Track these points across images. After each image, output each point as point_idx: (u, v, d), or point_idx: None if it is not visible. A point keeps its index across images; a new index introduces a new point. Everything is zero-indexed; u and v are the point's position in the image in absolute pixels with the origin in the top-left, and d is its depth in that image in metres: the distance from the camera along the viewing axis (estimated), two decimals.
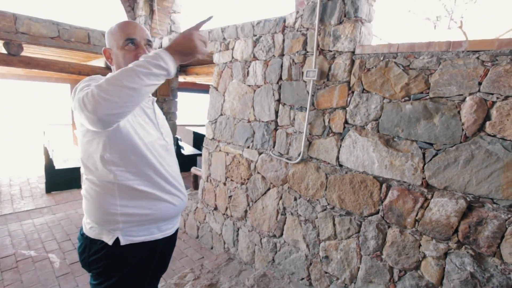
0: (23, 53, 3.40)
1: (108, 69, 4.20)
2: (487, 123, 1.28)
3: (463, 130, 1.34)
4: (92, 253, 0.99)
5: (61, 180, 4.09)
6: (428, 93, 1.44)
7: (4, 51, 3.29)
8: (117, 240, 0.96)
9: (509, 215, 1.23)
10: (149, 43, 1.03)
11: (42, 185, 4.20)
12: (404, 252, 1.53)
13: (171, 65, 0.79)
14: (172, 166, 1.10)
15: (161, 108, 4.30)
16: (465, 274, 1.33)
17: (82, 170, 1.01)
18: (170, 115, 4.45)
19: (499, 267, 1.26)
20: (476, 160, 1.31)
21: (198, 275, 2.20)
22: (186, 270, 2.29)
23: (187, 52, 0.82)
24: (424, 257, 1.46)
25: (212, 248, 2.78)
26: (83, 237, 1.02)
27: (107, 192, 0.96)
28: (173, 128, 4.50)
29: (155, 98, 1.16)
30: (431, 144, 1.44)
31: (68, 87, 6.43)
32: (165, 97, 4.36)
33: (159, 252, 1.11)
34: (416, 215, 1.48)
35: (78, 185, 4.17)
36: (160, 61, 0.76)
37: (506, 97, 1.24)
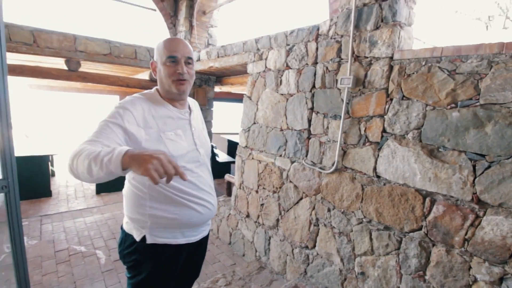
0: (80, 69, 3.83)
1: (151, 81, 4.54)
2: None
3: None
4: (126, 246, 1.09)
5: (109, 183, 4.46)
6: (478, 99, 1.32)
7: (65, 67, 3.74)
8: (144, 238, 1.05)
9: None
10: (189, 60, 1.11)
11: (93, 186, 4.62)
12: (451, 274, 1.38)
13: (114, 167, 0.75)
14: (202, 177, 1.16)
15: None
16: None
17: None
18: (206, 124, 4.62)
19: None
20: None
21: (229, 281, 2.22)
22: (218, 275, 2.33)
23: (136, 166, 0.73)
24: (475, 281, 1.31)
25: (243, 255, 2.79)
26: (122, 230, 1.15)
27: (140, 194, 1.06)
28: (209, 136, 4.67)
29: (192, 110, 1.23)
30: (483, 156, 1.30)
31: (118, 98, 7.06)
32: (202, 106, 4.56)
33: (184, 257, 1.17)
34: (466, 234, 1.34)
35: (123, 188, 4.51)
36: (106, 162, 0.75)
37: None
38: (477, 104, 1.32)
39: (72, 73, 3.78)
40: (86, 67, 4.25)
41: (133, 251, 1.08)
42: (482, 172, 1.29)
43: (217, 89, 5.67)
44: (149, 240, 1.06)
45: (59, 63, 3.85)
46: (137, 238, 1.06)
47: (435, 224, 1.44)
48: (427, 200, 1.48)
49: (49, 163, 4.49)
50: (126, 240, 1.11)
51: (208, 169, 1.23)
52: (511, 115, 1.22)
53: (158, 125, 1.05)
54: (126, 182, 1.13)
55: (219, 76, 4.56)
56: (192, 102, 1.29)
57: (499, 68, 1.25)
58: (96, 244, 2.90)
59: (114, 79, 4.22)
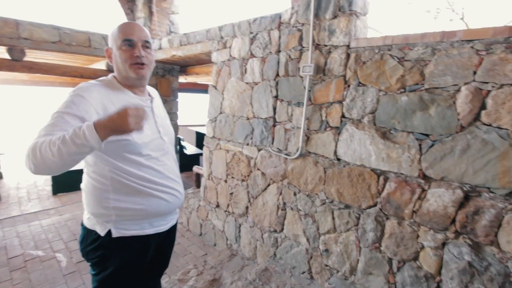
0: (26, 58, 3.47)
1: (109, 71, 4.26)
2: (483, 112, 1.28)
3: (458, 120, 1.34)
4: (89, 243, 1.04)
5: (67, 182, 4.16)
6: (423, 84, 1.44)
7: (7, 57, 3.36)
8: (109, 232, 1.01)
9: (506, 204, 1.23)
10: (146, 44, 1.06)
11: (49, 187, 4.28)
12: (402, 243, 1.53)
13: (94, 142, 0.77)
14: (167, 165, 1.13)
15: None
16: (463, 263, 1.33)
17: (83, 164, 1.05)
18: (171, 116, 4.49)
19: (497, 256, 1.26)
20: (472, 150, 1.31)
21: (201, 271, 2.23)
22: (190, 266, 2.32)
23: (118, 129, 0.80)
24: (422, 247, 1.47)
25: (215, 245, 2.81)
26: (82, 227, 1.09)
27: (102, 186, 1.01)
28: (175, 128, 4.54)
29: (153, 97, 1.19)
30: (427, 135, 1.44)
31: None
32: (166, 97, 4.41)
33: (153, 247, 1.14)
34: (414, 206, 1.48)
35: (82, 182, 4.23)
36: (83, 140, 0.76)
37: (501, 86, 1.23)
38: (422, 88, 1.45)
39: (15, 63, 3.40)
40: (33, 56, 3.85)
41: (98, 247, 1.03)
42: (427, 150, 1.44)
43: (182, 79, 5.50)
44: (115, 234, 1.02)
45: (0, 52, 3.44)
46: (102, 233, 1.01)
47: (388, 199, 1.57)
48: (381, 178, 1.61)
49: None
50: (88, 237, 1.05)
51: (174, 157, 1.21)
52: (451, 98, 1.36)
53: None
54: (85, 176, 1.07)
55: (184, 66, 4.41)
56: (151, 90, 1.25)
57: (441, 55, 1.38)
58: (56, 247, 2.72)
59: (66, 69, 3.89)
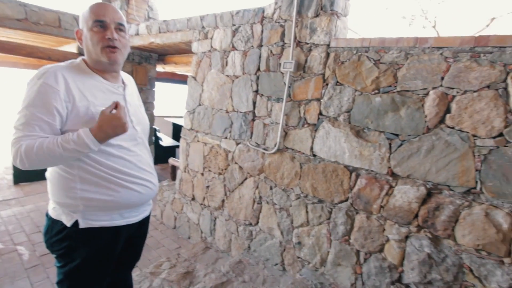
0: None
1: (80, 54, 4.01)
2: (447, 115, 1.38)
3: (425, 122, 1.43)
4: (54, 233, 1.00)
5: (31, 171, 3.89)
6: (396, 86, 1.52)
7: None
8: (76, 223, 0.97)
9: (463, 201, 1.34)
10: (120, 27, 1.01)
11: (10, 176, 3.98)
12: (369, 236, 1.62)
13: (95, 147, 0.90)
14: (140, 155, 1.10)
15: None
16: (423, 255, 1.44)
17: None
18: (147, 105, 4.34)
19: (453, 248, 1.37)
20: (436, 150, 1.40)
21: (174, 264, 2.21)
22: (162, 259, 2.29)
23: (116, 133, 0.93)
24: (388, 240, 1.56)
25: (189, 238, 2.79)
26: (47, 217, 1.04)
27: (68, 176, 0.97)
28: (151, 118, 4.39)
29: (127, 84, 1.14)
30: (397, 135, 1.52)
31: None
32: (142, 86, 4.24)
33: (123, 239, 1.11)
34: (382, 202, 1.57)
35: (47, 171, 3.99)
36: (87, 150, 0.89)
37: (465, 92, 1.33)
38: (395, 90, 1.52)
39: None
40: None
41: (64, 238, 0.98)
42: (396, 149, 1.52)
43: (160, 68, 5.32)
44: (82, 225, 0.97)
45: None
46: (68, 223, 0.97)
47: (359, 195, 1.65)
48: (353, 174, 1.68)
49: None
50: (53, 227, 1.00)
51: (147, 147, 1.17)
52: (420, 101, 1.45)
53: (86, 97, 0.95)
54: None
55: (162, 54, 4.27)
56: (126, 77, 1.19)
57: (413, 60, 1.46)
58: (17, 239, 2.55)
59: (32, 50, 3.60)
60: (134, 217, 1.11)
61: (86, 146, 0.87)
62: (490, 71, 1.27)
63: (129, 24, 3.53)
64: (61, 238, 0.99)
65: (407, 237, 1.50)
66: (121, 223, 1.06)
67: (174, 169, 3.33)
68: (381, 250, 1.59)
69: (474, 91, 1.31)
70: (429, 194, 1.43)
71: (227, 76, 2.35)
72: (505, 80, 1.24)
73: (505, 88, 1.24)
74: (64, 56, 3.87)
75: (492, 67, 1.26)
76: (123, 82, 1.13)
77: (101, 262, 1.06)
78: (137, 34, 3.42)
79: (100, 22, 0.97)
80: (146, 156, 1.14)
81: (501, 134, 1.26)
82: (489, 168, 1.28)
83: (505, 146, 1.25)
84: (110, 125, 0.89)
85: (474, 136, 1.32)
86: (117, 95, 1.06)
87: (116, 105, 0.93)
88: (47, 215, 1.05)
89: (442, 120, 1.40)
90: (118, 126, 0.90)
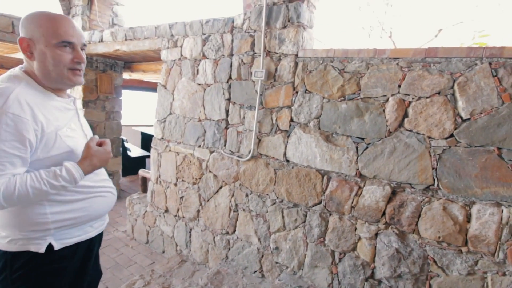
0: None
1: None
2: (405, 120, 1.51)
3: (387, 126, 1.55)
4: (17, 268, 0.89)
5: None
6: (359, 94, 1.63)
7: None
8: (49, 246, 0.91)
9: (424, 197, 1.46)
10: (84, 48, 0.98)
11: None
12: (343, 236, 1.69)
13: (80, 179, 0.92)
14: None
15: (103, 107, 3.98)
16: (392, 250, 1.53)
17: None
18: (113, 115, 4.15)
19: (418, 241, 1.49)
20: (398, 152, 1.52)
21: (148, 281, 2.12)
22: (135, 277, 2.18)
23: (102, 166, 1.01)
24: (359, 239, 1.65)
25: (163, 252, 2.69)
26: (1, 253, 0.90)
27: (34, 203, 0.88)
28: (118, 128, 4.20)
29: (76, 97, 1.10)
30: (363, 139, 1.63)
31: None
32: (108, 95, 4.05)
33: (96, 250, 1.12)
34: (352, 202, 1.66)
35: None
36: (73, 184, 0.89)
37: (419, 98, 1.47)
38: (359, 97, 1.63)
39: None
40: None
41: (32, 269, 0.89)
42: (362, 152, 1.62)
43: (126, 76, 5.12)
44: (57, 246, 0.92)
45: None
46: (41, 250, 0.89)
47: (331, 197, 1.73)
48: (325, 178, 1.75)
49: None
50: (13, 262, 0.89)
51: None
52: (381, 107, 1.56)
53: (51, 122, 0.88)
54: None
55: (128, 62, 4.12)
56: None
57: (373, 69, 1.58)
58: None
59: None
60: (102, 226, 1.12)
61: (74, 181, 0.88)
62: (439, 79, 1.42)
63: (93, 30, 3.38)
64: (29, 269, 0.90)
65: (376, 234, 1.59)
66: (93, 234, 1.06)
67: (144, 180, 3.20)
68: (354, 248, 1.67)
69: (427, 97, 1.45)
70: (393, 193, 1.54)
71: (199, 84, 2.34)
72: (452, 87, 1.39)
73: (453, 94, 1.39)
74: (18, 64, 3.58)
75: (441, 76, 1.41)
76: (68, 95, 1.06)
77: (76, 282, 1.02)
78: (101, 41, 3.27)
79: (69, 43, 0.90)
80: None
81: (452, 135, 1.40)
82: (443, 166, 1.41)
83: (456, 146, 1.39)
84: (100, 160, 0.96)
85: (429, 137, 1.45)
86: (71, 111, 1.02)
87: (100, 142, 1.00)
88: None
89: (401, 124, 1.52)
90: (107, 160, 0.99)
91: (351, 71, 1.65)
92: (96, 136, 1.01)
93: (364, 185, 1.62)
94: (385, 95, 1.55)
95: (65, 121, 0.95)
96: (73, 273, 1.01)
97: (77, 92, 3.71)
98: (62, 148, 0.89)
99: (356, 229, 1.65)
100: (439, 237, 1.43)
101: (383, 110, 1.55)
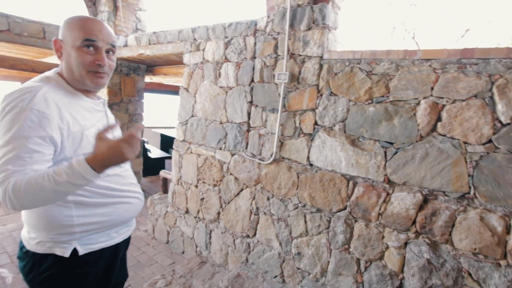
0: None
1: None
2: (439, 124, 1.44)
3: (418, 130, 1.48)
4: (44, 269, 0.90)
5: None
6: (388, 96, 1.57)
7: None
8: (74, 251, 0.91)
9: (458, 206, 1.38)
10: (112, 49, 0.96)
11: None
12: (369, 244, 1.63)
13: (92, 178, 0.76)
14: (128, 170, 1.09)
15: (126, 110, 4.11)
16: (422, 261, 1.46)
17: None
18: (136, 117, 4.26)
19: (451, 252, 1.41)
20: (430, 157, 1.45)
21: (169, 281, 2.14)
22: (157, 276, 2.21)
23: (115, 163, 0.77)
24: (387, 247, 1.58)
25: (183, 252, 2.72)
26: (28, 255, 0.92)
27: (61, 205, 0.88)
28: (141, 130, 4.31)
29: (106, 100, 1.11)
30: (392, 143, 1.57)
31: (19, 85, 5.85)
32: (131, 97, 4.17)
33: (120, 256, 1.09)
34: (380, 209, 1.60)
35: None
36: (83, 181, 0.75)
37: (454, 101, 1.40)
38: (388, 100, 1.57)
39: None
40: None
41: (58, 272, 0.91)
42: (391, 157, 1.56)
43: (147, 79, 5.26)
44: (82, 251, 0.92)
45: None
46: (66, 254, 0.89)
47: (357, 203, 1.67)
48: (351, 183, 1.70)
49: None
50: (41, 263, 0.90)
51: None
52: (412, 110, 1.50)
53: (78, 121, 0.89)
54: None
55: (150, 65, 4.23)
56: None
57: (404, 71, 1.52)
58: None
59: (15, 62, 3.49)
60: (127, 232, 1.10)
61: (81, 177, 0.73)
62: (476, 81, 1.34)
63: (118, 35, 3.49)
64: (53, 273, 0.90)
65: (406, 243, 1.52)
66: (118, 240, 1.04)
67: (165, 181, 3.26)
68: (381, 257, 1.60)
69: (463, 100, 1.38)
70: (425, 200, 1.47)
71: (221, 87, 2.35)
72: (491, 90, 1.31)
73: (491, 97, 1.31)
74: (48, 68, 3.75)
75: (478, 78, 1.34)
76: (98, 97, 1.07)
77: (101, 286, 1.01)
78: (126, 45, 3.38)
79: (91, 41, 0.88)
80: (130, 169, 1.13)
81: (490, 141, 1.32)
82: (481, 173, 1.33)
83: (495, 152, 1.31)
84: (116, 155, 0.75)
85: (465, 143, 1.37)
86: (100, 113, 1.02)
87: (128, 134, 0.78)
88: (27, 252, 0.92)
89: (434, 128, 1.45)
90: (125, 154, 0.76)
91: (379, 73, 1.59)
92: (113, 124, 0.85)
93: (393, 192, 1.56)
94: (417, 98, 1.48)
95: (93, 121, 0.95)
96: (98, 278, 1.00)
97: (102, 95, 3.85)
98: (89, 147, 0.86)
99: (383, 237, 1.59)
100: (475, 249, 1.35)
101: (414, 114, 1.49)
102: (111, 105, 3.83)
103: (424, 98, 1.47)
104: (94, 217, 0.93)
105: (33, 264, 0.91)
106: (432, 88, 1.45)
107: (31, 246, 0.91)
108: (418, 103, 1.49)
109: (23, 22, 3.24)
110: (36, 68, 3.65)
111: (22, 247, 0.94)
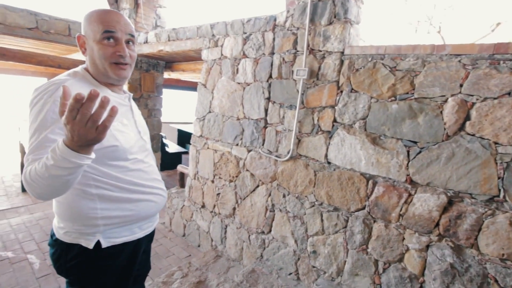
0: None
1: None
2: (467, 123, 1.36)
3: (445, 129, 1.42)
4: (70, 258, 0.94)
5: None
6: (413, 93, 1.51)
7: None
8: (97, 243, 0.93)
9: (486, 209, 1.31)
10: (132, 39, 0.97)
11: (18, 183, 3.99)
12: (388, 246, 1.59)
13: (76, 159, 0.67)
14: (151, 165, 1.10)
15: (146, 105, 4.20)
16: (445, 265, 1.41)
17: None
18: (155, 112, 4.36)
19: (476, 257, 1.34)
20: (457, 158, 1.38)
21: (186, 273, 2.19)
22: (174, 268, 2.26)
23: (85, 139, 0.65)
24: (407, 249, 1.53)
25: (199, 246, 2.77)
26: (57, 243, 0.96)
27: (86, 197, 0.91)
28: (158, 125, 4.41)
29: (131, 94, 1.12)
30: (415, 142, 1.51)
31: (46, 80, 6.13)
32: (150, 93, 4.27)
33: (142, 251, 1.11)
34: (400, 210, 1.55)
35: None
36: (66, 162, 0.67)
37: (485, 99, 1.32)
38: (412, 97, 1.51)
39: None
40: (6, 42, 3.57)
41: (83, 262, 0.94)
42: (415, 157, 1.50)
43: (166, 75, 5.35)
44: (105, 244, 0.94)
45: None
46: (90, 246, 0.92)
47: (376, 203, 1.63)
48: (370, 182, 1.66)
49: None
50: (68, 252, 0.94)
51: (153, 156, 1.16)
52: (438, 108, 1.43)
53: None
54: None
55: (169, 62, 4.30)
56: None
57: (431, 67, 1.45)
58: (27, 248, 2.54)
59: (42, 59, 3.65)
60: (150, 227, 1.11)
61: (64, 159, 0.66)
62: (510, 78, 1.26)
63: (138, 32, 3.57)
64: (78, 262, 0.94)
65: (428, 246, 1.47)
66: (140, 235, 1.06)
67: (182, 176, 3.32)
68: (400, 259, 1.56)
69: (495, 98, 1.30)
70: (450, 202, 1.41)
71: (238, 83, 2.35)
72: None
73: None
74: (74, 64, 3.92)
75: None
76: (124, 91, 1.09)
77: (122, 278, 1.04)
78: (146, 42, 3.45)
79: (111, 33, 0.90)
80: (154, 164, 1.13)
81: None
82: None
83: None
84: (78, 132, 0.63)
85: (496, 143, 1.30)
86: (125, 107, 1.03)
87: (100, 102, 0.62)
88: (56, 240, 0.96)
89: (462, 127, 1.38)
90: (86, 131, 0.63)
91: (404, 69, 1.53)
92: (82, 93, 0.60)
93: (415, 192, 1.50)
94: (444, 95, 1.41)
95: (117, 116, 0.98)
96: (119, 270, 1.02)
97: None
98: (110, 141, 0.87)
99: (404, 239, 1.54)
100: (503, 254, 1.28)
101: (441, 112, 1.42)
102: None
103: (452, 95, 1.40)
104: (117, 211, 0.95)
105: (61, 252, 0.95)
106: (461, 85, 1.38)
107: (59, 235, 0.95)
108: (446, 101, 1.42)
109: (50, 20, 3.38)
110: (62, 64, 3.80)
111: (52, 234, 0.99)
